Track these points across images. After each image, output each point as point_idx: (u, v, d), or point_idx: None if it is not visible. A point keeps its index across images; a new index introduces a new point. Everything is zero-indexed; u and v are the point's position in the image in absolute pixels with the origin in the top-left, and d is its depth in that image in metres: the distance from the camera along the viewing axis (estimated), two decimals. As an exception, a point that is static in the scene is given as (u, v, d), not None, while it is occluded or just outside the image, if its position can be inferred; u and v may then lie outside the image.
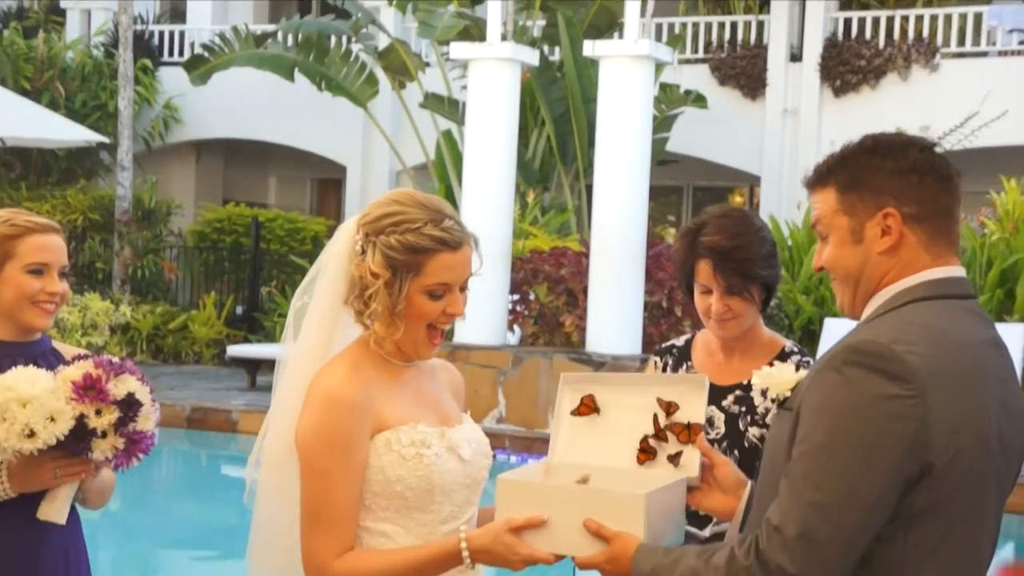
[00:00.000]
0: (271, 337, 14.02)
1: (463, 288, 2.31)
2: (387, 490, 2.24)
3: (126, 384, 2.62)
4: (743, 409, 2.94)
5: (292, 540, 2.36)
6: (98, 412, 2.58)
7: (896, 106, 13.69)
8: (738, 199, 17.07)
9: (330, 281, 2.32)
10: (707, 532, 2.36)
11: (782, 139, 14.69)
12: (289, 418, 2.30)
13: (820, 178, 2.06)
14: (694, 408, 2.36)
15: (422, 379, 2.38)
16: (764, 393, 2.91)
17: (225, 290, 15.28)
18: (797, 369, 2.91)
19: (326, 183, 18.51)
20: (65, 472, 2.63)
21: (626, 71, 10.03)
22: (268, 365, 12.84)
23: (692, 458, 2.33)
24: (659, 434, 2.35)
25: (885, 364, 1.84)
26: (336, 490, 2.19)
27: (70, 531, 2.82)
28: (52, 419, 2.55)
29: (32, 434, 2.53)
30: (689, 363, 3.06)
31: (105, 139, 14.41)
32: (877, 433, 1.82)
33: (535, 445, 9.38)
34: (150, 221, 15.10)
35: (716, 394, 2.96)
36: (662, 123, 13.64)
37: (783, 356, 2.98)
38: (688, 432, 2.33)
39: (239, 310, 14.91)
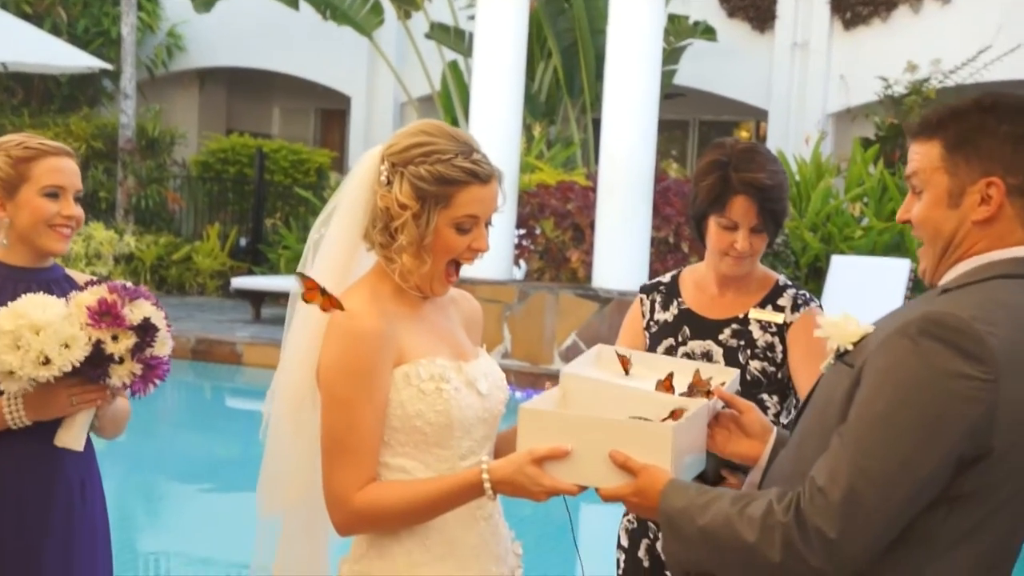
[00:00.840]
0: (275, 269, 13.99)
1: (488, 223, 2.28)
2: (406, 425, 2.22)
3: (141, 309, 2.61)
4: (742, 343, 2.93)
5: (304, 476, 2.36)
6: (114, 337, 2.58)
7: (907, 39, 13.51)
8: (744, 134, 16.92)
9: (349, 213, 2.29)
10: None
11: (791, 73, 14.52)
12: (306, 350, 2.27)
13: (927, 129, 1.95)
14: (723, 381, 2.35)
15: (437, 313, 2.35)
16: (763, 326, 2.93)
17: (229, 221, 15.22)
18: (796, 308, 2.91)
19: (330, 114, 18.36)
20: (81, 399, 2.63)
21: (635, 1, 9.88)
22: (272, 297, 12.84)
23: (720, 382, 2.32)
24: (686, 393, 2.32)
25: (963, 341, 1.77)
26: (360, 420, 2.17)
27: (85, 460, 2.82)
28: (67, 345, 2.53)
29: (47, 361, 2.52)
30: (679, 299, 3.02)
31: (108, 66, 14.27)
32: (941, 410, 1.76)
33: (540, 381, 9.38)
34: (153, 150, 14.99)
35: (712, 328, 2.96)
36: (670, 55, 13.48)
37: (777, 290, 2.98)
38: (710, 391, 2.30)
39: (243, 242, 14.85)
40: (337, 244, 2.31)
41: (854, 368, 1.88)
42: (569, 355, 9.93)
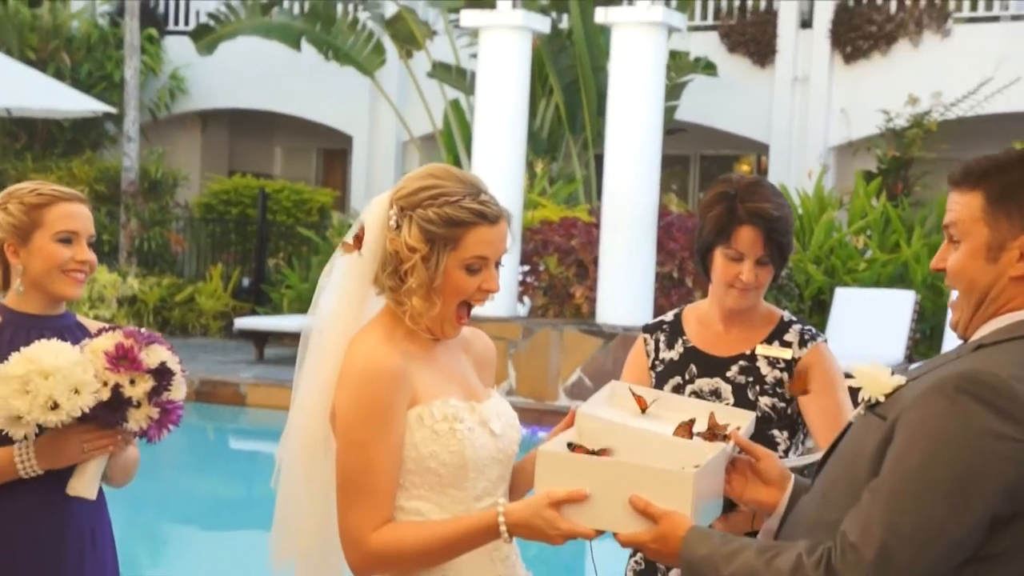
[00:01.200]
0: (278, 309, 13.98)
1: (498, 264, 2.28)
2: (420, 466, 2.20)
3: (157, 354, 2.63)
4: (750, 379, 2.91)
5: (317, 522, 2.34)
6: (132, 382, 2.58)
7: (908, 73, 13.56)
8: (745, 168, 16.95)
9: (359, 258, 2.28)
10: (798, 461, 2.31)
11: (792, 107, 14.56)
12: (320, 391, 2.26)
13: (969, 179, 1.93)
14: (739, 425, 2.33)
15: (447, 354, 2.34)
16: (771, 362, 2.91)
17: (231, 262, 15.22)
18: (803, 344, 2.89)
19: (332, 154, 18.41)
20: (93, 446, 2.62)
21: (638, 38, 9.93)
22: (276, 337, 12.81)
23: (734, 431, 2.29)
24: (704, 436, 2.30)
25: (1000, 400, 1.76)
26: (376, 461, 2.15)
27: (96, 509, 2.81)
28: (76, 391, 2.53)
29: (56, 406, 2.51)
30: (684, 337, 3.00)
31: (112, 109, 14.32)
32: (977, 470, 1.75)
33: (545, 417, 9.33)
34: (156, 193, 15.02)
35: (719, 366, 2.93)
36: (671, 91, 13.51)
37: (783, 326, 2.96)
38: (727, 435, 2.28)
39: (245, 282, 14.85)
40: (349, 289, 2.30)
41: (886, 421, 1.86)
42: (574, 391, 9.89)
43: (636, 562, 2.99)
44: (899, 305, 10.65)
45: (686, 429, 2.29)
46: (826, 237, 11.39)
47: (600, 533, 2.07)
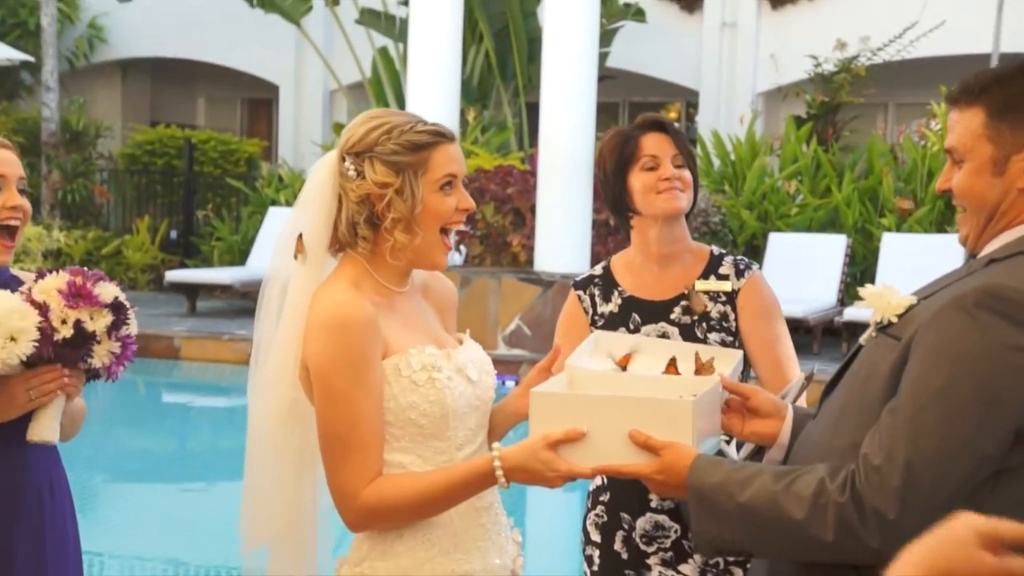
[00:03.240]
0: (208, 262, 13.77)
1: (464, 184, 2.28)
2: (400, 418, 2.16)
3: (109, 290, 2.56)
4: (695, 317, 2.89)
5: (288, 499, 2.28)
6: (91, 317, 2.51)
7: (835, 17, 13.64)
8: (672, 115, 16.98)
9: (317, 224, 2.23)
10: (740, 456, 2.29)
11: (720, 53, 14.60)
12: (285, 353, 2.20)
13: (968, 95, 1.90)
14: (726, 367, 2.31)
15: (410, 304, 2.30)
16: (712, 297, 2.90)
17: (158, 214, 14.95)
18: (740, 274, 2.90)
19: (257, 103, 18.09)
20: (40, 392, 2.53)
21: (572, -17, 9.85)
22: (207, 290, 12.63)
23: (723, 367, 2.29)
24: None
25: (1020, 313, 1.74)
26: (361, 412, 2.11)
27: (52, 462, 2.73)
28: (13, 339, 2.44)
29: None
30: (619, 288, 2.97)
31: (29, 58, 13.92)
32: (1001, 384, 1.73)
33: (485, 365, 9.33)
34: (78, 144, 14.67)
35: (661, 310, 2.91)
36: (602, 37, 13.40)
37: (715, 260, 2.95)
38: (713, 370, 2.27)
39: (173, 234, 14.60)
40: (310, 260, 2.24)
41: (901, 341, 1.83)
42: (513, 340, 9.89)
43: (597, 515, 2.96)
44: (831, 249, 10.78)
45: (670, 372, 2.28)
46: (758, 183, 11.47)
47: (600, 471, 2.04)
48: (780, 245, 10.84)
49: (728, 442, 2.31)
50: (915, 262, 10.13)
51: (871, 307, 1.93)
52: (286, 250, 2.26)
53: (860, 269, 11.13)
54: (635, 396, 2.06)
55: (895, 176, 11.30)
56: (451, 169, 2.22)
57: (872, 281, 10.96)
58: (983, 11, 11.70)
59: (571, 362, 2.28)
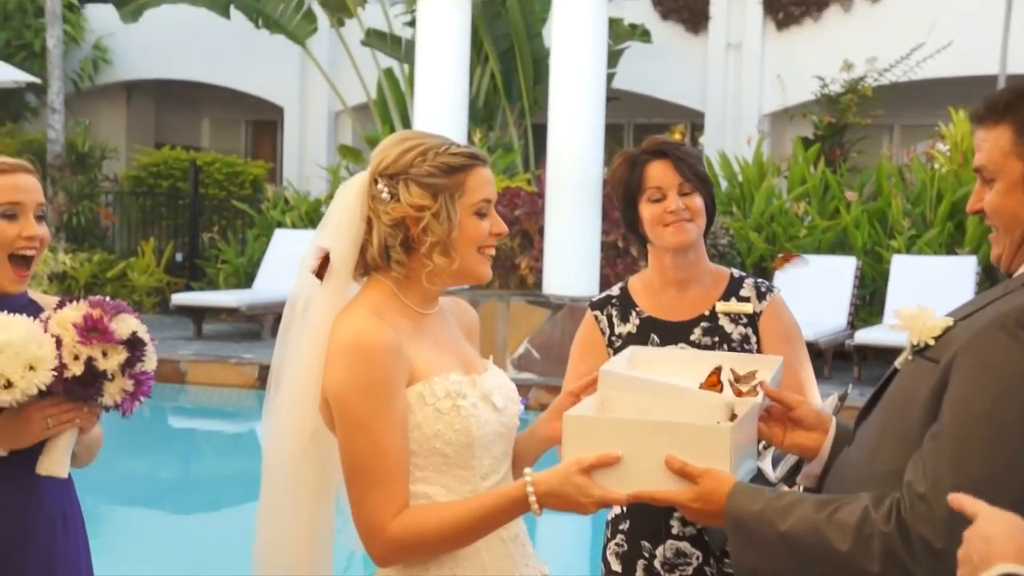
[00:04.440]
0: (213, 284, 13.73)
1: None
2: (424, 447, 2.11)
3: (127, 324, 2.49)
4: (716, 339, 2.86)
5: (305, 530, 2.22)
6: (104, 354, 2.43)
7: (839, 38, 13.63)
8: (677, 136, 16.97)
9: (343, 248, 2.18)
10: (777, 474, 2.24)
11: (725, 74, 14.58)
12: (306, 383, 2.14)
13: (993, 113, 1.87)
14: (767, 374, 2.26)
15: (440, 326, 2.25)
16: (733, 319, 2.87)
17: (164, 236, 14.91)
18: (762, 297, 2.86)
19: (262, 125, 18.09)
20: (58, 420, 2.47)
21: (579, 1, 9.82)
22: (213, 313, 12.58)
23: (764, 375, 2.24)
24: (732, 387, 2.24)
25: None
26: (384, 442, 2.04)
27: (65, 491, 2.67)
28: (31, 368, 2.39)
29: (9, 384, 2.37)
30: (636, 308, 2.94)
31: (36, 79, 13.91)
32: None
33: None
34: (84, 166, 14.65)
35: (680, 331, 2.88)
36: (608, 58, 13.44)
37: (735, 282, 2.92)
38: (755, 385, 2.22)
39: (179, 257, 14.56)
40: (330, 284, 2.19)
41: (939, 364, 1.79)
42: (521, 363, 9.84)
43: (617, 544, 2.91)
44: (840, 271, 10.74)
45: (711, 381, 2.24)
46: (767, 204, 11.43)
47: (635, 498, 1.97)
48: (789, 268, 10.80)
49: (761, 456, 2.25)
50: (925, 284, 10.09)
51: (907, 329, 1.88)
52: (310, 272, 2.21)
53: (870, 291, 11.08)
54: (671, 421, 2.00)
55: (904, 198, 11.27)
56: (486, 193, 2.19)
57: (882, 304, 10.92)
58: (990, 32, 11.69)
59: (607, 368, 2.23)
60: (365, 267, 2.21)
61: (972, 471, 1.68)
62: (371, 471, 2.04)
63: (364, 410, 2.04)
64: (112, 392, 2.47)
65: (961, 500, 1.50)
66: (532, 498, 2.00)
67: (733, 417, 2.06)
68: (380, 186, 2.16)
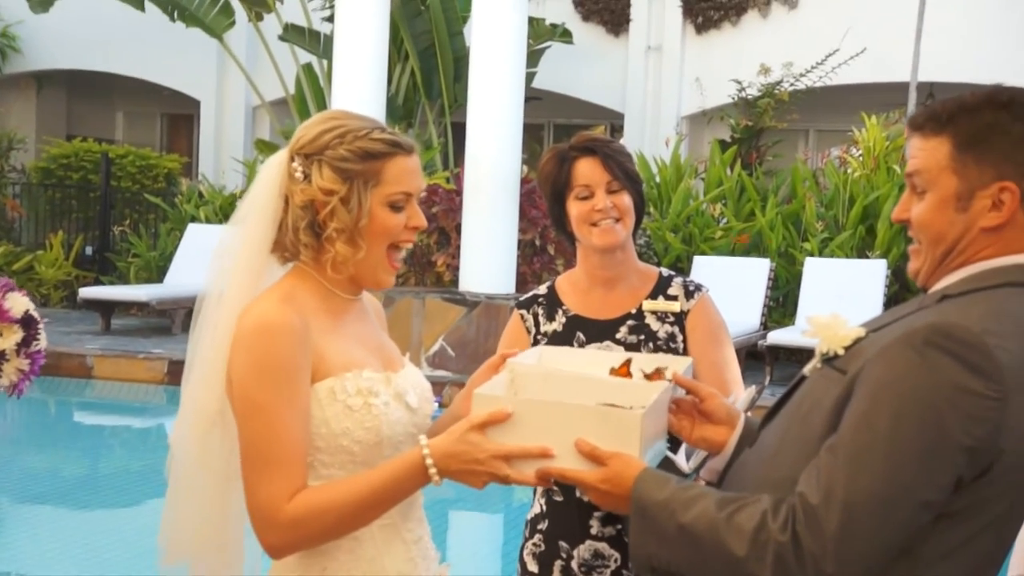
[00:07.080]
0: (124, 278, 13.48)
1: (418, 200, 2.14)
2: (331, 444, 2.03)
3: (20, 303, 2.40)
4: (641, 337, 2.84)
5: (212, 514, 2.14)
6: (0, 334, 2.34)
7: (757, 43, 13.78)
8: (598, 136, 17.01)
9: (257, 226, 2.10)
10: (691, 465, 2.21)
11: (645, 75, 14.67)
12: (212, 363, 2.07)
13: (934, 123, 1.79)
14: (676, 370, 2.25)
15: (360, 320, 2.18)
16: (660, 317, 2.85)
17: (73, 230, 14.61)
18: (690, 295, 2.85)
19: (177, 118, 17.81)
20: None
21: (499, 1, 9.80)
22: (123, 308, 12.34)
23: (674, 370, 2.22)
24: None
25: (973, 356, 1.63)
26: (282, 425, 1.95)
27: None
28: None
29: None
30: (563, 307, 2.92)
31: (-61, 68, 13.56)
32: (947, 429, 1.62)
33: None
34: (-10, 156, 14.32)
35: (606, 329, 2.86)
36: (529, 58, 13.42)
37: (664, 281, 2.90)
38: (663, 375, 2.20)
39: (88, 250, 14.26)
40: (247, 257, 2.11)
41: (846, 375, 1.74)
42: (436, 361, 9.78)
43: (535, 544, 2.87)
44: (755, 273, 10.84)
45: (621, 372, 2.21)
46: (683, 205, 11.50)
47: (541, 475, 1.91)
48: (705, 268, 10.87)
49: (675, 450, 2.22)
50: (837, 286, 10.23)
51: (818, 337, 1.83)
52: (226, 254, 2.13)
53: (783, 293, 11.20)
54: (582, 404, 1.97)
55: (817, 201, 11.41)
56: (404, 186, 2.08)
57: (795, 305, 11.03)
58: (902, 40, 11.88)
59: (516, 360, 2.20)
60: (285, 250, 2.13)
61: (866, 488, 1.64)
62: (266, 455, 1.95)
63: (262, 392, 1.96)
64: (8, 373, 2.39)
65: None
66: (429, 460, 1.93)
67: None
68: (295, 164, 2.08)
